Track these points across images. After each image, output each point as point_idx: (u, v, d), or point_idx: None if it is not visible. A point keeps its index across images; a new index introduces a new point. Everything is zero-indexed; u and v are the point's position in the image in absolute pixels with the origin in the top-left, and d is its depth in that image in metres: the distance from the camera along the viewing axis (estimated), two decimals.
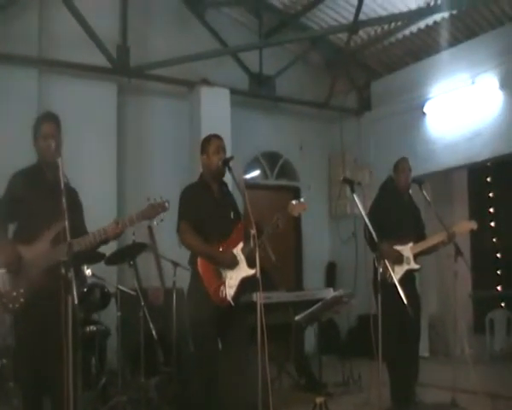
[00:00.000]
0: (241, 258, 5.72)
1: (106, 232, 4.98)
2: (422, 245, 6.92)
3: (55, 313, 4.35)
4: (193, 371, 6.23)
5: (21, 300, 4.87)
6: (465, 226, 7.33)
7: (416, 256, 6.87)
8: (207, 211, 5.82)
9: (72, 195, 4.83)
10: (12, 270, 4.88)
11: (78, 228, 4.91)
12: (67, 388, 4.17)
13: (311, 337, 9.70)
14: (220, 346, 5.79)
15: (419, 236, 7.06)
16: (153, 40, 10.85)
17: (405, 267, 6.77)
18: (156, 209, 5.16)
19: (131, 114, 10.68)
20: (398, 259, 6.73)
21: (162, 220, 5.21)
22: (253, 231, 5.15)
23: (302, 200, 6.15)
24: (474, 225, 7.18)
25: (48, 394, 5.05)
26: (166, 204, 5.19)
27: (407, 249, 6.82)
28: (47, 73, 9.61)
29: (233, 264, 5.69)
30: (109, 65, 9.78)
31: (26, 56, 9.33)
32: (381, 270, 5.81)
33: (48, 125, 5.10)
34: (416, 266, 6.87)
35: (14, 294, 4.88)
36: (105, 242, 5.14)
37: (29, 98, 9.09)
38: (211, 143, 5.97)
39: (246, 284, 5.74)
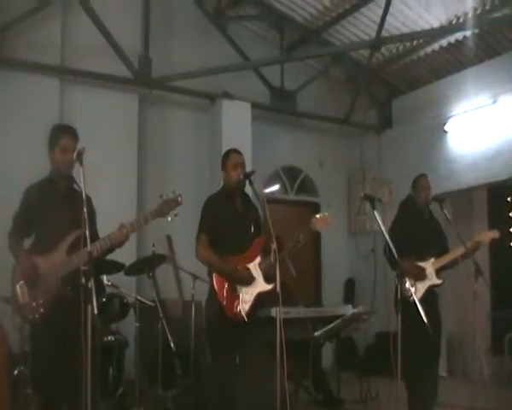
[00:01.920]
0: (258, 273, 5.69)
1: (110, 240, 4.97)
2: (444, 260, 6.82)
3: (73, 322, 4.33)
4: (210, 384, 6.21)
5: (41, 310, 4.89)
6: (487, 236, 7.22)
7: (437, 271, 6.81)
8: (228, 223, 5.81)
9: (87, 202, 4.81)
10: (29, 280, 4.91)
11: (91, 235, 4.89)
12: (86, 397, 4.16)
13: (328, 353, 9.65)
14: (237, 360, 5.77)
15: (442, 249, 6.99)
16: (175, 52, 10.92)
17: (428, 283, 6.68)
18: (170, 205, 5.13)
19: (152, 125, 10.71)
20: (420, 275, 6.66)
21: (176, 215, 5.16)
22: (274, 246, 5.13)
23: (326, 214, 6.14)
24: (495, 234, 7.05)
25: (66, 403, 5.05)
26: (179, 198, 5.16)
27: (429, 265, 6.75)
28: (68, 83, 9.67)
29: (248, 281, 5.66)
30: (131, 75, 9.83)
31: (48, 65, 9.41)
32: (403, 287, 5.78)
33: (67, 138, 5.11)
34: (439, 281, 6.77)
35: (34, 304, 4.90)
36: (111, 250, 5.12)
37: (50, 107, 9.14)
38: (229, 158, 5.98)
39: (262, 300, 5.72)
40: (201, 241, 5.77)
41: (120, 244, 5.06)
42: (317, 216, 6.02)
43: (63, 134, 5.17)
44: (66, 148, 5.04)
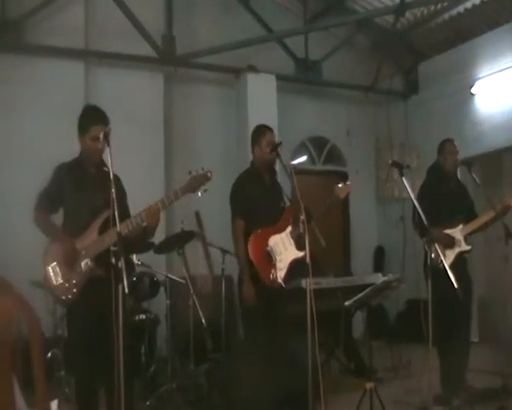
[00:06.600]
0: (290, 241, 5.87)
1: (141, 217, 4.95)
2: (472, 226, 6.78)
3: (107, 302, 4.37)
4: (243, 356, 6.27)
5: (74, 290, 4.91)
6: None
7: (466, 237, 6.76)
8: (259, 200, 5.96)
9: (116, 181, 4.80)
10: (68, 261, 4.92)
11: (123, 214, 4.91)
12: (119, 376, 4.22)
13: (359, 322, 9.66)
14: (270, 332, 5.82)
15: (469, 214, 6.95)
16: (198, 28, 10.90)
17: (457, 250, 6.64)
18: (199, 181, 5.09)
19: (178, 102, 10.75)
20: (450, 243, 6.61)
21: (206, 191, 5.13)
22: (303, 217, 5.18)
23: (348, 182, 6.21)
24: None
25: (101, 382, 5.10)
26: (209, 174, 5.13)
27: (457, 232, 6.70)
28: (93, 65, 9.73)
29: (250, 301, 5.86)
30: (155, 55, 9.84)
31: (73, 49, 9.47)
32: (432, 255, 5.77)
33: (98, 126, 4.99)
34: (467, 247, 6.73)
35: (67, 285, 4.92)
36: (146, 232, 5.15)
37: (76, 90, 9.17)
38: (265, 135, 6.06)
39: (295, 267, 5.85)
40: (237, 227, 5.98)
41: (155, 223, 5.07)
42: (339, 185, 6.13)
43: (94, 122, 5.08)
44: (96, 137, 4.97)
